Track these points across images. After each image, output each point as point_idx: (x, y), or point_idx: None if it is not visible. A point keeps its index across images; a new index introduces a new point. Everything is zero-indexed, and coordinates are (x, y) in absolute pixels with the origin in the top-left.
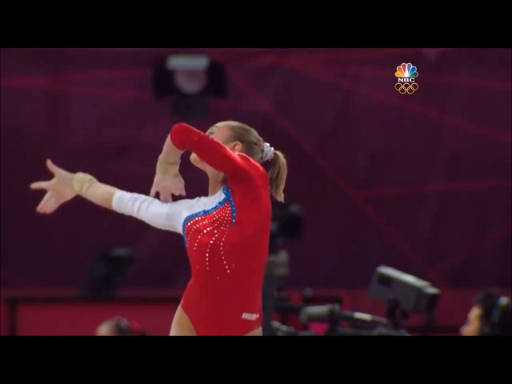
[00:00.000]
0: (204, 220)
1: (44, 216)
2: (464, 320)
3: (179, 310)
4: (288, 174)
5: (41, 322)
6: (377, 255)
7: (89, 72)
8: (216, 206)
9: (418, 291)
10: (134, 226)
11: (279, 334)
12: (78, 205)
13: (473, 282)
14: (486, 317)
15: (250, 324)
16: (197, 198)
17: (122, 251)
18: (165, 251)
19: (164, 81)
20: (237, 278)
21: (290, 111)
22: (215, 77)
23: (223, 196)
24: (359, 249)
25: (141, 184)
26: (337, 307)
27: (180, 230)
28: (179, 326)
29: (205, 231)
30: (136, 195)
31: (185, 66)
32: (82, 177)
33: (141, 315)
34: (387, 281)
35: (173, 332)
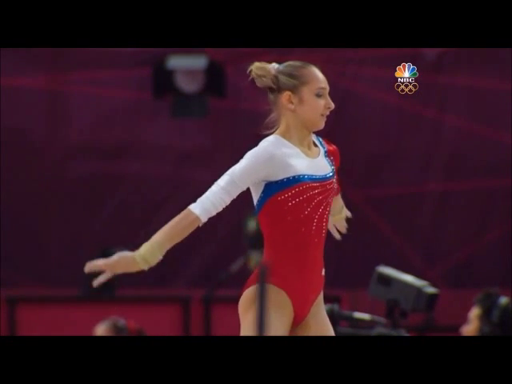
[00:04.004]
0: (318, 187)
1: (43, 215)
2: (464, 320)
3: (273, 289)
4: None
5: (40, 321)
6: (376, 255)
7: (88, 72)
8: (329, 176)
9: (418, 291)
10: (133, 226)
11: None
12: (77, 204)
13: (473, 282)
14: (485, 316)
15: (323, 279)
16: (289, 146)
17: (120, 251)
18: None
19: (163, 80)
20: (324, 240)
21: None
22: (214, 76)
23: (331, 168)
24: (358, 248)
25: (140, 183)
26: (336, 307)
27: (274, 177)
28: (279, 303)
29: (318, 198)
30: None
31: (184, 66)
32: (149, 249)
33: (140, 315)
34: (386, 280)
35: (273, 314)
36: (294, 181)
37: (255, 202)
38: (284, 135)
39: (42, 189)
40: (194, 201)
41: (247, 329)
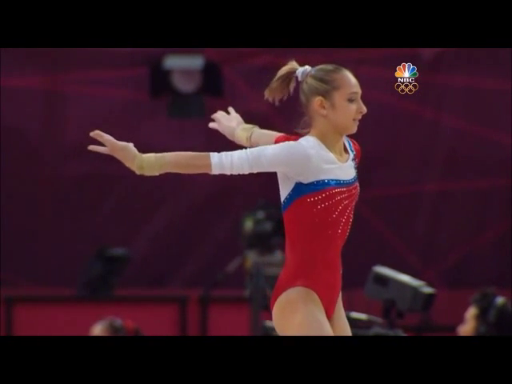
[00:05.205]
0: (345, 192)
1: (40, 215)
2: (460, 320)
3: (305, 291)
4: None
5: (37, 321)
6: (373, 255)
7: (85, 72)
8: (354, 180)
9: (414, 291)
10: (130, 226)
11: (274, 333)
12: (74, 204)
13: (469, 282)
14: (482, 316)
15: (341, 279)
16: (324, 150)
17: (117, 250)
18: (161, 251)
19: (160, 80)
20: (344, 242)
21: (286, 111)
22: (211, 76)
23: (355, 171)
24: (355, 248)
25: (137, 184)
26: None
27: (304, 178)
28: (312, 302)
29: (345, 203)
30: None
31: (181, 66)
32: (151, 159)
33: (137, 315)
34: (383, 280)
35: (318, 314)
36: (324, 185)
37: (282, 199)
38: (320, 139)
39: (40, 189)
40: (191, 201)
41: (296, 332)
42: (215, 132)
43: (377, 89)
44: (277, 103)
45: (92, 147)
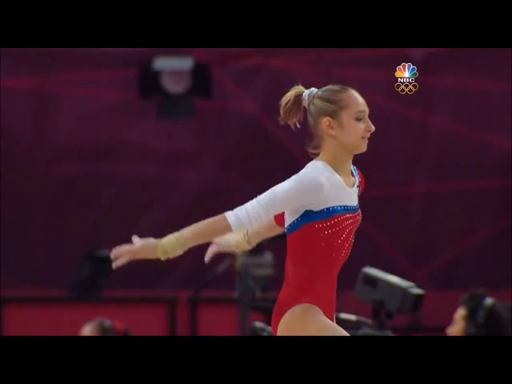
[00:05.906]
0: (351, 218)
1: (30, 216)
2: (449, 320)
3: (312, 307)
4: (275, 175)
5: (26, 322)
6: (362, 256)
7: (74, 73)
8: (358, 207)
9: (404, 292)
10: (120, 227)
11: (264, 334)
12: (64, 205)
13: (458, 283)
14: (471, 317)
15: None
16: (332, 172)
17: (107, 252)
18: None
19: (149, 81)
20: (343, 262)
21: (276, 112)
22: (200, 77)
23: (357, 198)
24: None
25: (126, 184)
26: None
27: (314, 206)
28: (320, 313)
29: (350, 228)
30: (248, 206)
31: (170, 67)
32: (172, 241)
33: (126, 316)
34: (372, 281)
35: (319, 320)
36: (333, 212)
37: (288, 221)
38: (329, 162)
39: (30, 189)
40: (181, 202)
41: None
42: (204, 133)
43: (366, 90)
44: (298, 126)
45: (115, 265)
